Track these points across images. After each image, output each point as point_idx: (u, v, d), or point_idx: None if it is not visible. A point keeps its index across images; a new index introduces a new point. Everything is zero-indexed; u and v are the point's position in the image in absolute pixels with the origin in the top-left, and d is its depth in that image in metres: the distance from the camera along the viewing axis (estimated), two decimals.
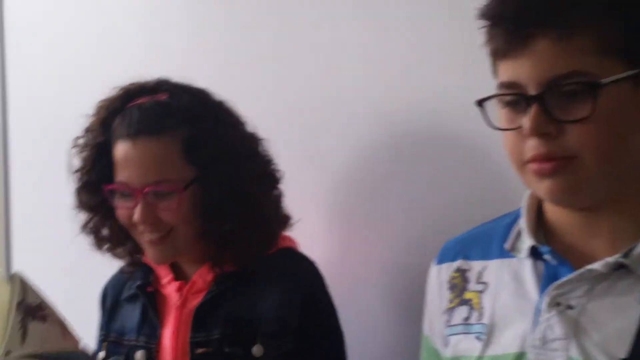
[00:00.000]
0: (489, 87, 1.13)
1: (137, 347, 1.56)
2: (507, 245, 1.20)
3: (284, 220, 1.60)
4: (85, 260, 1.67)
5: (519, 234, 1.19)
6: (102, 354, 1.61)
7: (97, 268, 1.66)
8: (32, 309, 1.41)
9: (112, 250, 1.62)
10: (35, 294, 1.43)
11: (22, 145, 2.43)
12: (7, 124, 2.42)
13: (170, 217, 1.48)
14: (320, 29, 1.73)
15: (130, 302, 1.63)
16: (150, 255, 1.53)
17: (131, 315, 1.61)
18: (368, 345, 1.67)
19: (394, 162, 1.64)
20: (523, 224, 1.19)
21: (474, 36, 1.13)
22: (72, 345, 1.40)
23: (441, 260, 1.30)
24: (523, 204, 1.20)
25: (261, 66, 1.83)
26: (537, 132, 1.06)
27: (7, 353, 1.35)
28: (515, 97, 1.09)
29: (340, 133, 1.71)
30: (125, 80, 1.55)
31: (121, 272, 1.67)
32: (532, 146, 1.07)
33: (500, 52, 1.10)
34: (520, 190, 1.20)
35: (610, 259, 1.08)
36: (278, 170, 1.59)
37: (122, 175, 1.49)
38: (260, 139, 1.58)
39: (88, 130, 1.56)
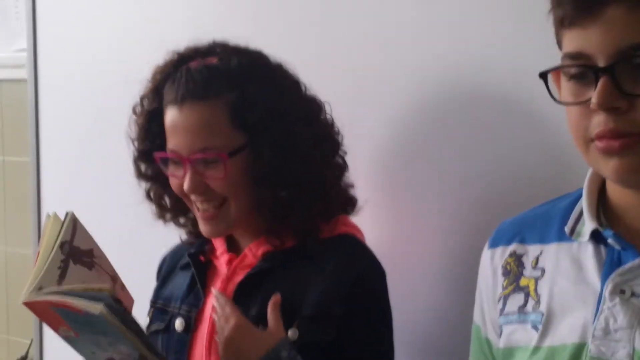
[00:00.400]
0: (549, 57, 1.07)
1: (178, 315, 1.54)
2: (567, 229, 1.14)
3: (348, 199, 1.55)
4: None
5: (579, 217, 1.14)
6: (147, 321, 1.60)
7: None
8: (79, 253, 1.35)
9: (174, 219, 1.61)
10: (87, 240, 1.38)
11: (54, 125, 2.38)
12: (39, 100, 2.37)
13: (219, 186, 1.45)
14: None
15: (183, 270, 1.62)
16: (203, 229, 1.51)
17: (181, 283, 1.59)
18: (418, 327, 1.63)
19: (447, 137, 1.59)
20: (584, 205, 1.13)
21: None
22: (106, 287, 1.32)
23: (495, 243, 1.24)
24: (585, 184, 1.14)
25: (305, 32, 1.78)
26: (606, 106, 1.00)
27: (40, 288, 1.31)
28: (581, 69, 1.03)
29: (386, 110, 1.66)
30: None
31: (182, 242, 1.66)
32: (599, 122, 1.01)
33: (566, 20, 1.03)
34: (581, 169, 1.14)
35: None
36: (339, 134, 1.55)
37: (172, 142, 1.48)
38: (321, 103, 1.54)
39: (143, 97, 1.55)
